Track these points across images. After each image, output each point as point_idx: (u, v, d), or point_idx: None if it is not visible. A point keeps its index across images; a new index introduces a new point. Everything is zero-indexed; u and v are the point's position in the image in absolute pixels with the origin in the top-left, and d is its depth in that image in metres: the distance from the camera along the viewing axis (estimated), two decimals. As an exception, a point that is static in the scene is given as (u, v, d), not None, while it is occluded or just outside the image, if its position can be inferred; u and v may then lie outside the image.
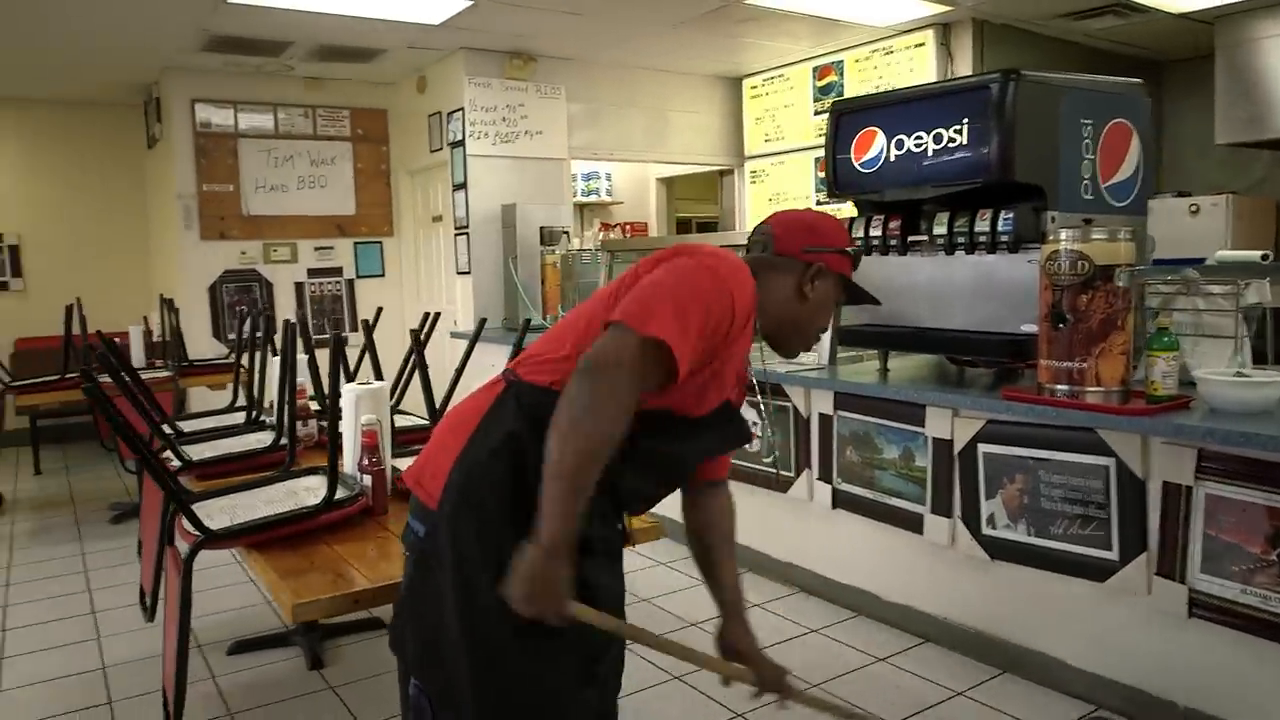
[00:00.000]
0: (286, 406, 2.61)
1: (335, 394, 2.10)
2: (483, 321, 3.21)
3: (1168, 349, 2.52)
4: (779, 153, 6.99)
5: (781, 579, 3.90)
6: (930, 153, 3.09)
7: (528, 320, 3.27)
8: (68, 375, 4.98)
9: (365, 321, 3.67)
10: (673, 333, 1.41)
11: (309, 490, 2.27)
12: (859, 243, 2.13)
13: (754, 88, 7.20)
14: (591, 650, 1.58)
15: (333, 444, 2.09)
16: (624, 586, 1.66)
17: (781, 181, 6.98)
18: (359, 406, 2.25)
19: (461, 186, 6.21)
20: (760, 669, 1.73)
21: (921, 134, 3.11)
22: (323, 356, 3.13)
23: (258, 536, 2.01)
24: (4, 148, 7.37)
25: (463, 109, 6.12)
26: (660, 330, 1.40)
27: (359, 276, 7.08)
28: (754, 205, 7.27)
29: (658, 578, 4.04)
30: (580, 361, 1.40)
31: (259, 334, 3.27)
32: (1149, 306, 3.12)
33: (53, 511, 5.47)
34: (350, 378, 3.56)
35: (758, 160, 7.20)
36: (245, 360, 3.56)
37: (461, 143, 6.15)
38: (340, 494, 2.12)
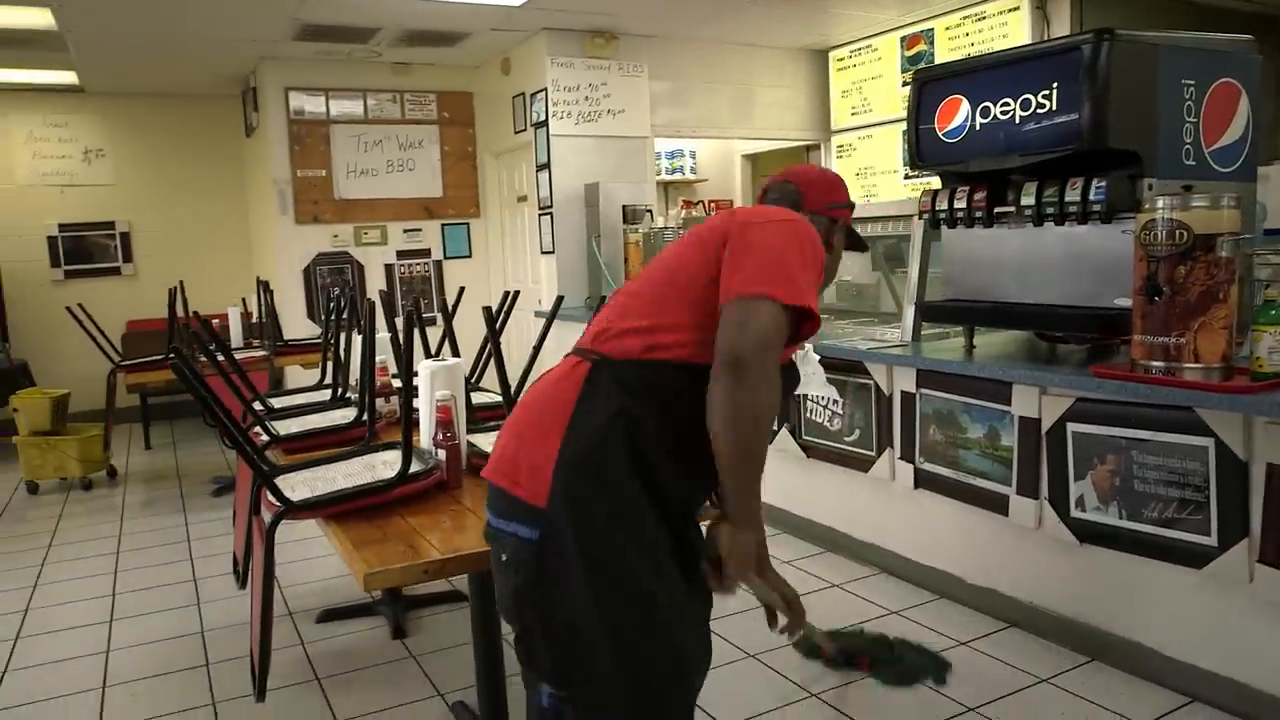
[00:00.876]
0: (367, 383, 2.67)
1: (409, 369, 2.14)
2: (559, 299, 3.22)
3: (1275, 322, 2.37)
4: (866, 126, 6.83)
5: (862, 559, 3.84)
6: (1018, 120, 2.97)
7: (603, 298, 3.26)
8: (170, 355, 5.20)
9: (445, 302, 3.73)
10: (810, 296, 1.51)
11: (386, 464, 2.32)
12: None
13: (840, 60, 7.05)
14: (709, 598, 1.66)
15: (406, 419, 2.13)
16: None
17: (869, 155, 6.83)
18: (434, 382, 2.29)
19: (545, 167, 6.25)
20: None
21: (1009, 100, 2.99)
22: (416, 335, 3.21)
23: (335, 508, 2.06)
24: (117, 141, 7.74)
25: (545, 89, 6.15)
26: (803, 297, 1.48)
27: (446, 257, 7.22)
28: (840, 180, 7.12)
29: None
30: (736, 343, 1.43)
31: (345, 314, 3.35)
32: (1257, 279, 2.95)
33: (160, 484, 5.75)
34: (435, 355, 3.63)
35: (844, 134, 7.05)
36: (334, 339, 3.66)
37: (545, 123, 6.19)
38: (415, 468, 2.16)
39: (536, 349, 2.99)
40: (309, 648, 3.25)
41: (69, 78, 7.04)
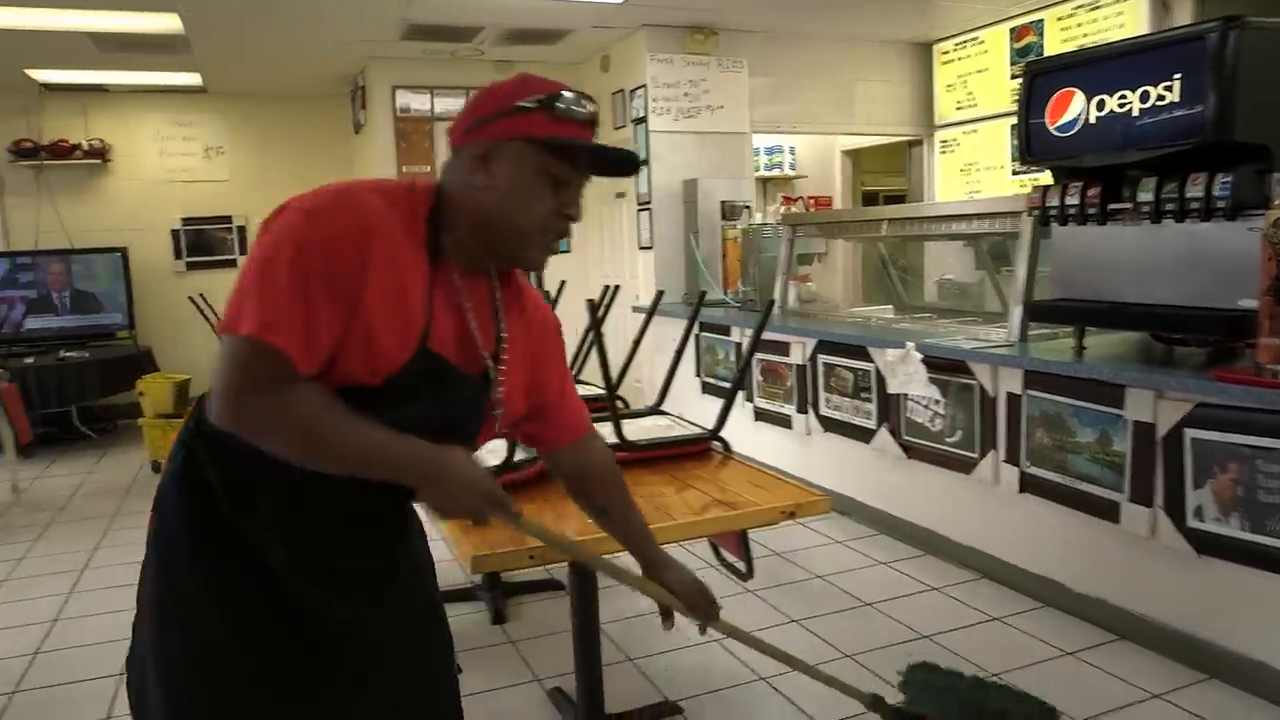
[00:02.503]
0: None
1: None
2: (659, 294, 3.26)
3: None
4: (972, 120, 6.67)
5: (962, 563, 3.76)
6: (1136, 112, 2.87)
7: (703, 294, 3.28)
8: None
9: (547, 293, 3.79)
10: (265, 322, 1.21)
11: (490, 452, 2.38)
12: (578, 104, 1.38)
13: (945, 53, 6.89)
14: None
15: (511, 409, 2.19)
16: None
17: (975, 151, 6.66)
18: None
19: (644, 163, 6.29)
20: (690, 599, 1.67)
21: (1126, 92, 2.89)
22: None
23: (442, 494, 2.13)
24: (236, 139, 8.10)
25: (645, 86, 6.19)
26: (253, 325, 1.21)
27: (546, 252, 7.32)
28: (944, 176, 6.97)
29: (832, 555, 3.99)
30: (213, 391, 1.27)
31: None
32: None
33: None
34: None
35: (949, 129, 6.90)
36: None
37: (644, 119, 6.23)
38: (518, 457, 2.22)
39: (636, 343, 3.03)
40: (412, 629, 3.36)
41: (194, 79, 7.39)
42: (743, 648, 3.08)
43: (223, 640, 1.36)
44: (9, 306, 7.18)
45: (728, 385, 5.23)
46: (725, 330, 5.23)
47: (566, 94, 1.34)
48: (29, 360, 6.55)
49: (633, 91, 6.37)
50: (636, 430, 2.58)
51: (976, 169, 6.64)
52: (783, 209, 5.95)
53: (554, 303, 3.55)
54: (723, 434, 2.62)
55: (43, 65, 6.73)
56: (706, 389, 5.48)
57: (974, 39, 6.58)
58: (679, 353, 2.84)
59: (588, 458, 1.66)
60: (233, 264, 8.10)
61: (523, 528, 1.47)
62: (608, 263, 7.23)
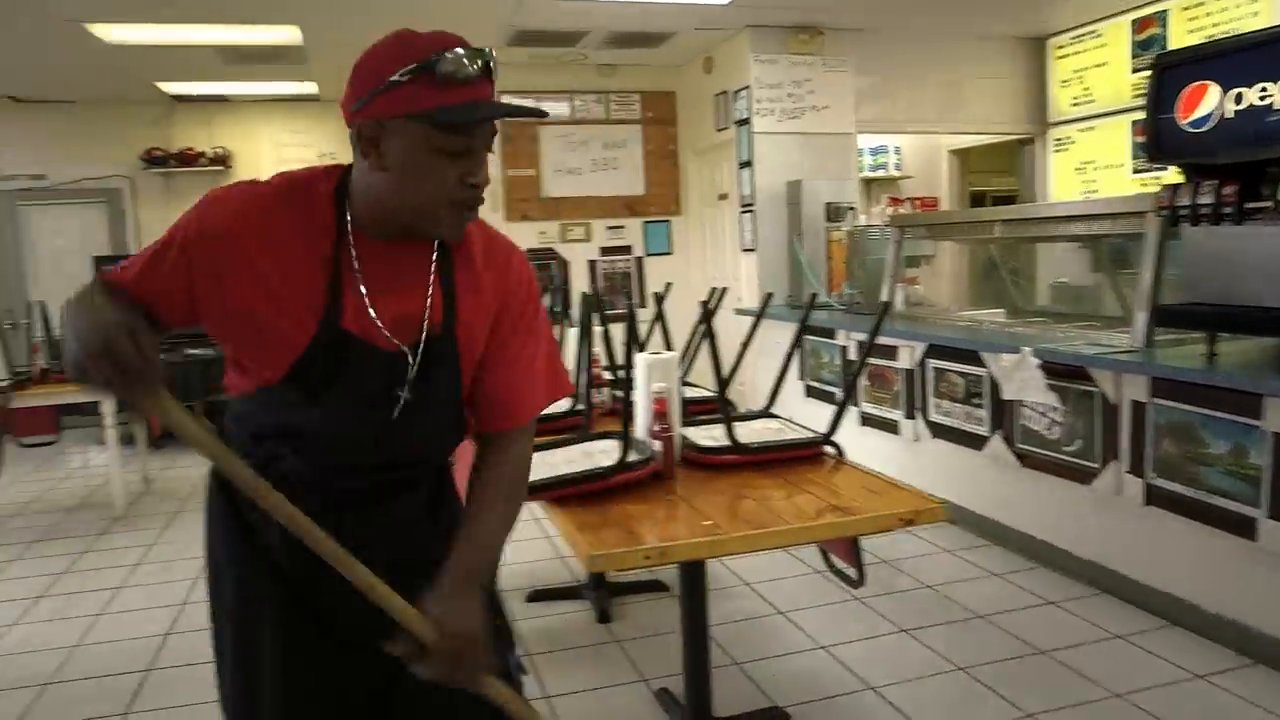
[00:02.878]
0: (582, 374, 2.78)
1: (629, 363, 2.21)
2: (768, 296, 3.23)
3: None
4: (1089, 117, 6.43)
5: (1079, 577, 3.62)
6: (1278, 106, 2.71)
7: (813, 296, 3.25)
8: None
9: (656, 294, 3.80)
10: (128, 270, 1.31)
11: (603, 453, 2.41)
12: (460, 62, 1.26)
13: (1060, 48, 6.66)
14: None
15: (626, 410, 2.20)
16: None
17: (1091, 148, 6.41)
18: (651, 375, 2.35)
19: (747, 164, 6.26)
20: (440, 639, 1.29)
21: (1267, 85, 2.74)
22: (614, 330, 3.31)
23: (557, 492, 2.16)
24: (347, 145, 8.23)
25: (749, 87, 6.15)
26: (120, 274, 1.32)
27: (648, 254, 7.37)
28: (1058, 175, 6.74)
29: (941, 564, 3.90)
30: None
31: (556, 308, 3.49)
32: None
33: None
34: (640, 349, 3.72)
35: (1064, 126, 6.66)
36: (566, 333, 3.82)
37: (747, 120, 6.20)
38: (632, 458, 2.23)
39: (745, 345, 3.01)
40: (520, 624, 3.41)
41: (310, 88, 7.68)
42: (853, 656, 3.05)
43: (251, 640, 1.41)
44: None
45: (832, 389, 5.18)
46: (830, 333, 5.16)
47: (447, 55, 1.23)
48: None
49: (736, 93, 6.34)
50: (747, 433, 2.56)
51: (1093, 167, 6.39)
52: (890, 210, 5.83)
53: (662, 301, 3.56)
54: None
55: (173, 78, 7.09)
56: (810, 393, 5.42)
57: (1092, 32, 6.34)
58: (789, 355, 2.81)
59: (497, 455, 1.46)
60: (345, 266, 8.38)
61: (167, 416, 1.21)
62: (710, 264, 7.22)
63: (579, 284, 7.14)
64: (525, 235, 7.10)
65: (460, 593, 1.32)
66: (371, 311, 1.32)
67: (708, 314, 2.42)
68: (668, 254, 7.43)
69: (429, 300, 1.35)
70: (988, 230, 4.56)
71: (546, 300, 4.43)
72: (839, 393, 5.13)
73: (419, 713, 1.43)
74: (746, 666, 3.03)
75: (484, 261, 1.40)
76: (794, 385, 5.46)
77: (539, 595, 3.65)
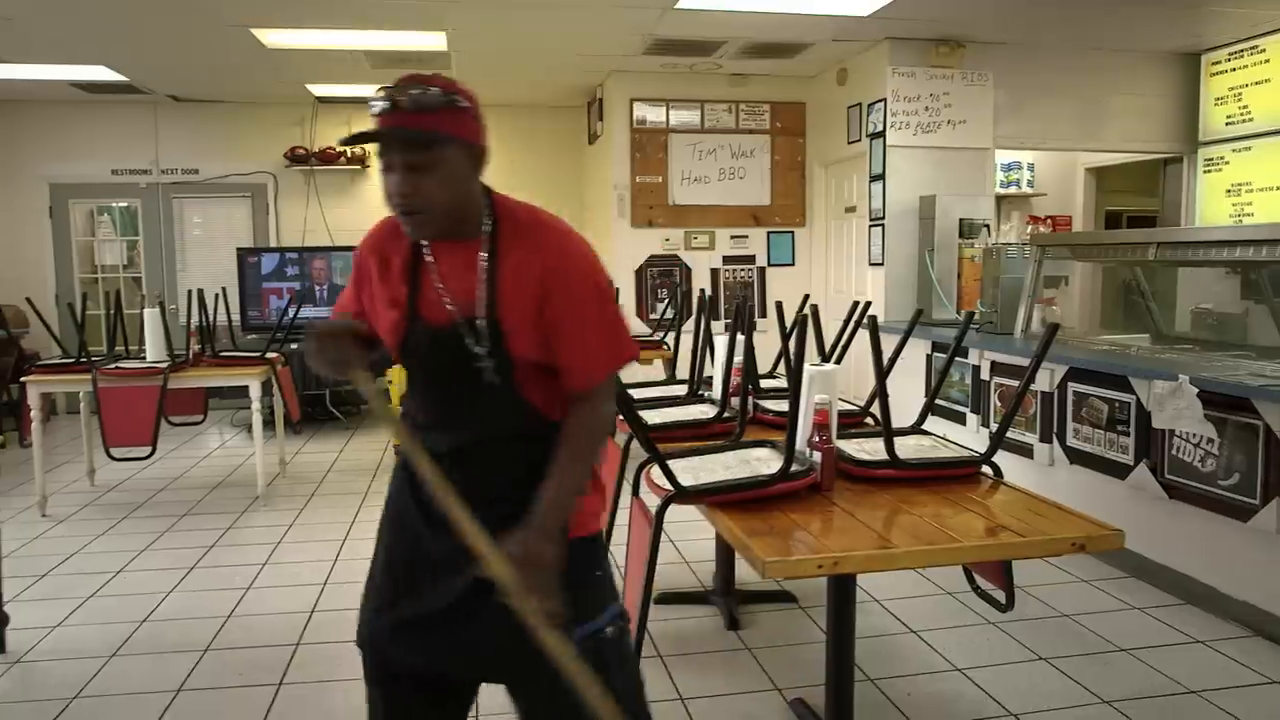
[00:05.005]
0: (732, 382, 2.81)
1: (797, 372, 2.23)
2: (919, 312, 3.21)
3: None
4: (1246, 137, 6.14)
5: (1231, 616, 3.46)
6: None
7: (970, 314, 3.21)
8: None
9: (778, 304, 3.81)
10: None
11: (760, 460, 2.43)
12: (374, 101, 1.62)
13: (1216, 64, 6.38)
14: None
15: (792, 419, 2.22)
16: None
17: (1246, 169, 6.13)
18: (813, 386, 2.36)
19: (879, 178, 6.19)
20: (510, 570, 1.50)
21: None
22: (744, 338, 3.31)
23: (721, 497, 2.20)
24: (478, 146, 8.60)
25: (884, 100, 6.09)
26: None
27: (770, 265, 7.36)
28: (1208, 197, 6.46)
29: (1078, 594, 3.78)
30: None
31: (702, 315, 3.53)
32: None
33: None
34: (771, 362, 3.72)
35: (1216, 146, 6.38)
36: (690, 338, 3.85)
37: (881, 134, 6.13)
38: (793, 468, 2.25)
39: (892, 361, 2.98)
40: (650, 626, 3.46)
41: (446, 92, 7.92)
42: (991, 681, 2.99)
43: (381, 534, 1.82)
44: (284, 298, 7.94)
45: (961, 408, 5.08)
46: (963, 351, 5.06)
47: (375, 93, 1.59)
48: (294, 346, 7.22)
49: (871, 105, 6.29)
50: (901, 448, 2.54)
51: (1247, 189, 6.11)
52: (1030, 228, 5.70)
53: (798, 315, 3.55)
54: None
55: (320, 80, 7.42)
56: (937, 411, 5.32)
57: (1254, 47, 6.06)
58: (944, 372, 2.78)
59: (568, 419, 1.67)
60: (470, 265, 8.62)
61: (370, 398, 1.66)
62: (833, 278, 7.16)
63: (701, 291, 7.16)
64: (651, 241, 7.18)
65: (528, 535, 1.55)
66: (443, 299, 1.65)
67: (873, 328, 2.41)
68: (790, 265, 7.39)
69: (480, 285, 1.64)
70: (1140, 253, 4.41)
71: (664, 306, 4.48)
72: (969, 411, 5.03)
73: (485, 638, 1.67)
74: (881, 683, 3.00)
75: (523, 247, 1.65)
76: (922, 402, 5.36)
77: (667, 598, 3.69)
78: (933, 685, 3.01)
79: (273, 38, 5.98)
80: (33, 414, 5.08)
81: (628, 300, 7.11)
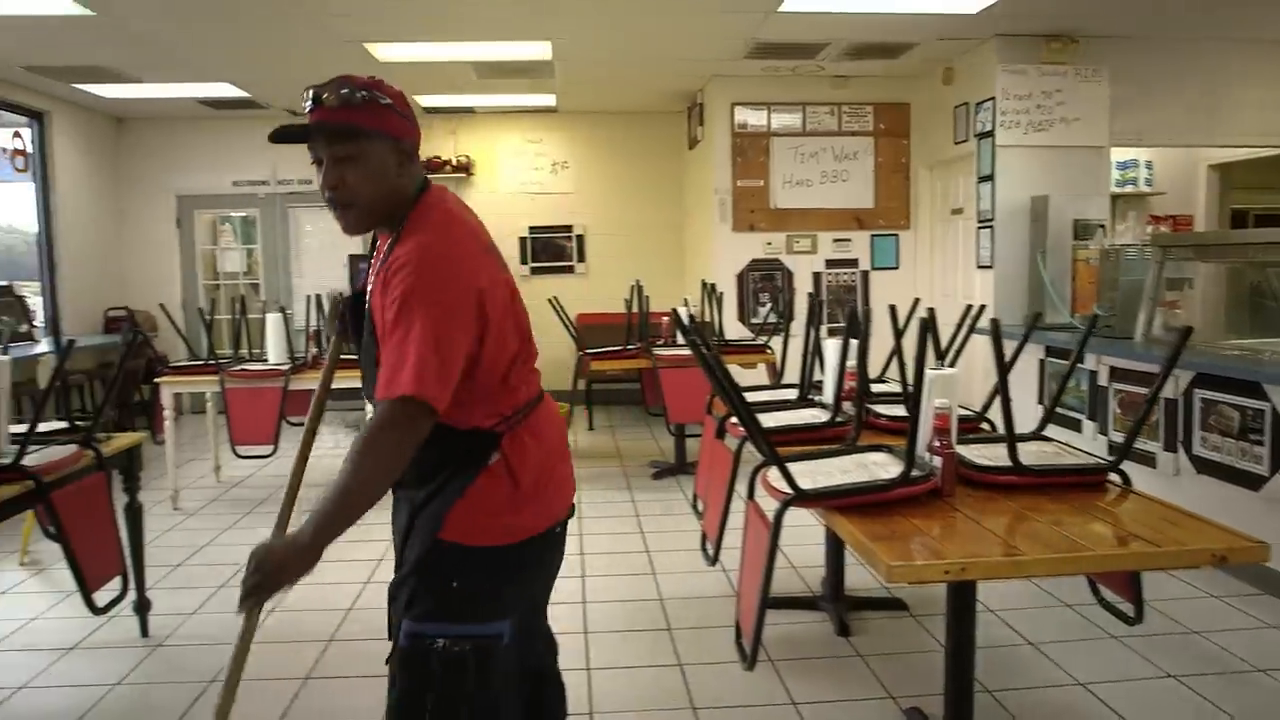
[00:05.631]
0: (846, 386, 2.79)
1: (919, 376, 2.21)
2: (1036, 316, 3.13)
3: None
4: (1386, 130, 5.79)
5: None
6: None
7: (1095, 318, 3.12)
8: (628, 346, 5.79)
9: (892, 307, 3.75)
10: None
11: (878, 465, 2.41)
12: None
13: (1354, 53, 6.04)
14: None
15: (913, 423, 2.20)
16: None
17: (1388, 165, 5.78)
18: (933, 390, 2.33)
19: (988, 178, 6.05)
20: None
21: None
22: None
23: (840, 501, 2.18)
24: (578, 153, 8.74)
25: (993, 98, 5.95)
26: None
27: (874, 268, 7.26)
28: (1344, 194, 6.11)
29: (1207, 610, 3.62)
30: None
31: (812, 319, 3.51)
32: None
33: (605, 463, 6.41)
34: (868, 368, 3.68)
35: (1353, 140, 6.04)
36: (795, 342, 3.84)
37: (990, 133, 5.99)
38: (913, 472, 2.22)
39: (1010, 364, 2.92)
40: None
41: (549, 100, 8.08)
42: (1117, 697, 2.90)
43: None
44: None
45: (1076, 415, 4.92)
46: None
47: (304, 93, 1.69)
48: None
49: (979, 105, 6.15)
50: (1023, 454, 2.49)
51: (1389, 186, 5.75)
52: (1148, 228, 5.49)
53: (907, 321, 3.50)
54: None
55: (429, 91, 7.63)
56: (1041, 419, 5.15)
57: (1395, 36, 5.72)
58: (1066, 377, 2.71)
59: None
60: (571, 270, 8.76)
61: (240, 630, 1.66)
62: (939, 281, 7.03)
63: (802, 297, 7.12)
64: (752, 245, 7.16)
65: (279, 536, 1.69)
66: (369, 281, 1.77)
67: (996, 331, 2.37)
68: (894, 269, 7.28)
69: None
70: (1272, 253, 4.20)
71: (768, 311, 4.46)
72: (1085, 418, 4.87)
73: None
74: (999, 695, 2.94)
75: (396, 249, 1.68)
76: (1034, 410, 5.22)
77: (775, 603, 3.67)
78: (1056, 698, 2.93)
79: (384, 52, 6.19)
80: (165, 413, 5.36)
81: (728, 304, 7.11)
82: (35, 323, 6.89)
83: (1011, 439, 2.35)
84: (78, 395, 7.06)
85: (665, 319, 6.15)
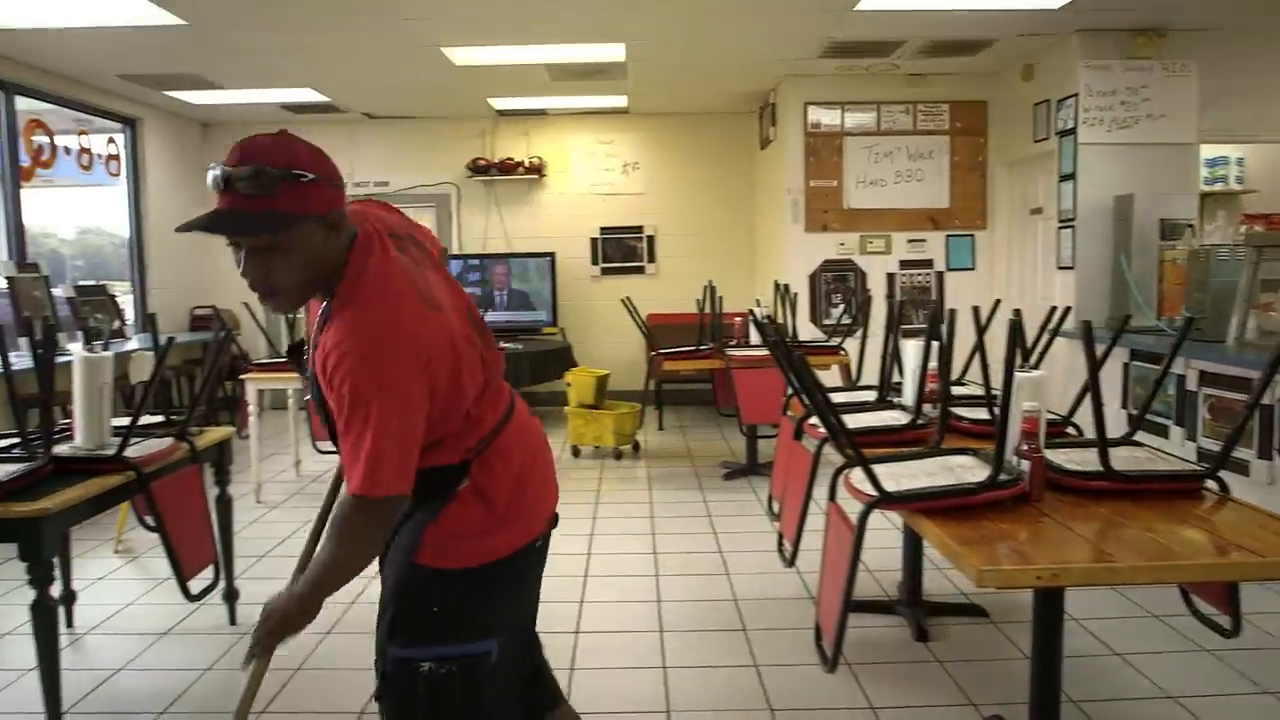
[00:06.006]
0: (927, 388, 2.76)
1: (1008, 379, 2.17)
2: (1126, 319, 3.05)
3: None
4: None
5: None
6: None
7: (1189, 320, 3.03)
8: (701, 347, 5.79)
9: (975, 309, 3.68)
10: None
11: (963, 468, 2.38)
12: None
13: None
14: None
15: (1002, 426, 2.16)
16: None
17: None
18: (1021, 393, 2.29)
19: (1069, 177, 5.91)
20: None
21: None
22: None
23: (925, 504, 2.16)
24: (649, 153, 8.77)
25: (1076, 95, 5.81)
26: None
27: (949, 269, 7.14)
28: None
29: (1305, 624, 3.49)
30: None
31: (892, 321, 3.48)
32: None
33: (675, 463, 6.42)
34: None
35: None
36: (871, 344, 3.81)
37: (1072, 131, 5.85)
38: (1001, 476, 2.19)
39: (1100, 365, 2.85)
40: (834, 633, 3.44)
41: (620, 101, 8.12)
42: (1212, 712, 2.81)
43: None
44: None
45: (1164, 421, 4.77)
46: (1162, 360, 4.75)
47: (210, 170, 1.52)
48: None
49: (1060, 102, 6.01)
50: (1113, 460, 2.43)
51: None
52: (1241, 228, 5.30)
53: (987, 321, 3.44)
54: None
55: (502, 94, 7.74)
56: (1131, 423, 5.01)
57: None
58: (1160, 380, 2.64)
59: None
60: (641, 270, 8.79)
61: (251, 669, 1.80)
62: (1016, 282, 6.89)
63: (875, 298, 7.04)
64: (825, 246, 7.11)
65: (286, 592, 1.65)
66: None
67: (1087, 333, 2.31)
68: (970, 269, 7.15)
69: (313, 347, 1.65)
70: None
71: (841, 312, 4.39)
72: (1171, 424, 4.73)
73: None
74: (1085, 706, 2.87)
75: (334, 320, 1.57)
76: (1118, 414, 5.09)
77: (852, 606, 3.64)
78: (1146, 711, 2.85)
79: (460, 56, 6.29)
80: (250, 408, 5.53)
81: (801, 305, 7.07)
82: (126, 321, 7.18)
83: (1104, 443, 2.30)
84: (164, 391, 7.31)
85: (738, 320, 6.14)
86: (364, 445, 1.49)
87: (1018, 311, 2.50)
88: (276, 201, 1.49)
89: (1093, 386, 2.34)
